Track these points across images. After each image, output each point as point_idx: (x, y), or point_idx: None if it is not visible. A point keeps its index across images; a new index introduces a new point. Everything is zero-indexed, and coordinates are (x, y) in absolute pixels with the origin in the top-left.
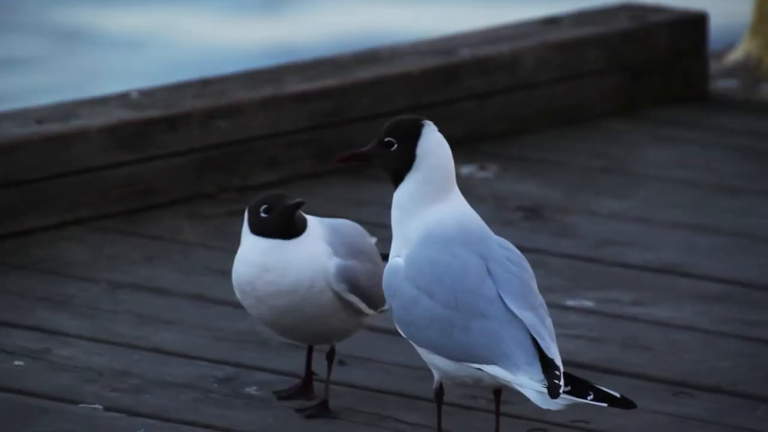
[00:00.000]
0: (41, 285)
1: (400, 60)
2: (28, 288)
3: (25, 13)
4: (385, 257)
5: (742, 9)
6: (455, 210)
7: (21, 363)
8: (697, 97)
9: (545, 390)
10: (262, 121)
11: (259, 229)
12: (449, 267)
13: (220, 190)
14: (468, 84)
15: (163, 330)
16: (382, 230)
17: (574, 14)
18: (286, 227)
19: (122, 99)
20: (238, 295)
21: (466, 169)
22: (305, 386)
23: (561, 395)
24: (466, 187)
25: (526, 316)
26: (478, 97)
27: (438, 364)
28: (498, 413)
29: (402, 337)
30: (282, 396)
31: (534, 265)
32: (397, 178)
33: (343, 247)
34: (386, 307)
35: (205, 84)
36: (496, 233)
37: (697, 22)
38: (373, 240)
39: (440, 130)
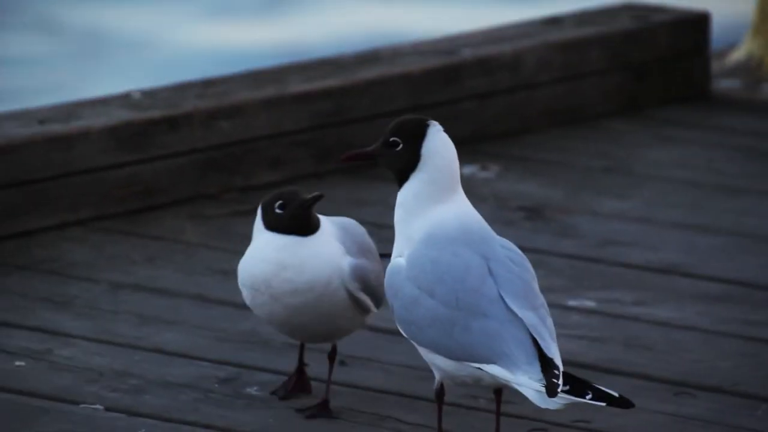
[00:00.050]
0: (43, 285)
1: (402, 60)
2: (29, 288)
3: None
4: (383, 256)
5: (744, 9)
6: (458, 210)
7: (22, 363)
8: (699, 97)
9: (544, 389)
10: (264, 122)
11: (274, 225)
12: (451, 267)
13: (221, 191)
14: (469, 84)
15: (164, 330)
16: (383, 230)
17: (576, 14)
18: (303, 223)
19: (124, 99)
20: (248, 294)
21: (468, 169)
22: (300, 381)
23: (559, 394)
24: (467, 187)
25: (527, 316)
26: (479, 97)
27: (439, 363)
28: (498, 413)
29: (403, 337)
30: (281, 396)
31: (535, 265)
32: (402, 178)
33: (354, 245)
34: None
35: (206, 84)
36: (498, 233)
37: (699, 21)
38: None
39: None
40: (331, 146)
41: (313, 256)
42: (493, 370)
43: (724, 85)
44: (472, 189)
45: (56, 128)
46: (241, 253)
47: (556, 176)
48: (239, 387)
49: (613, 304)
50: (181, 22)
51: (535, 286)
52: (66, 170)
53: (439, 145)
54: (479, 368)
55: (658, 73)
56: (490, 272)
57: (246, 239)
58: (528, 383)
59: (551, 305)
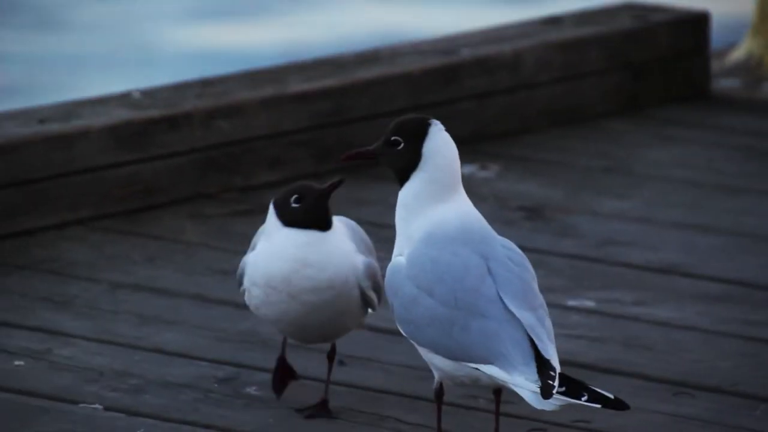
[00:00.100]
0: (42, 285)
1: (401, 60)
2: (29, 288)
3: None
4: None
5: (744, 8)
6: (459, 210)
7: (22, 363)
8: (699, 97)
9: (539, 390)
10: (263, 121)
11: (292, 219)
12: (450, 266)
13: (221, 190)
14: (469, 84)
15: (164, 330)
16: (383, 230)
17: (576, 14)
18: (322, 215)
19: (123, 99)
20: (259, 293)
21: (468, 169)
22: (283, 371)
23: (555, 396)
24: (467, 187)
25: (525, 317)
26: (479, 97)
27: (437, 363)
28: (498, 413)
29: (402, 337)
30: (279, 396)
31: (535, 265)
32: (403, 177)
33: (362, 243)
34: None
35: (206, 84)
36: (498, 233)
37: (699, 21)
38: None
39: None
40: (330, 146)
41: (333, 253)
42: (490, 370)
43: (724, 84)
44: (471, 189)
45: (56, 128)
46: (241, 252)
47: (556, 176)
48: (239, 387)
49: (612, 304)
50: (181, 22)
51: (535, 286)
52: (66, 170)
53: (440, 144)
54: (477, 368)
55: (658, 72)
56: (490, 272)
57: (246, 239)
58: (524, 384)
59: (551, 305)
